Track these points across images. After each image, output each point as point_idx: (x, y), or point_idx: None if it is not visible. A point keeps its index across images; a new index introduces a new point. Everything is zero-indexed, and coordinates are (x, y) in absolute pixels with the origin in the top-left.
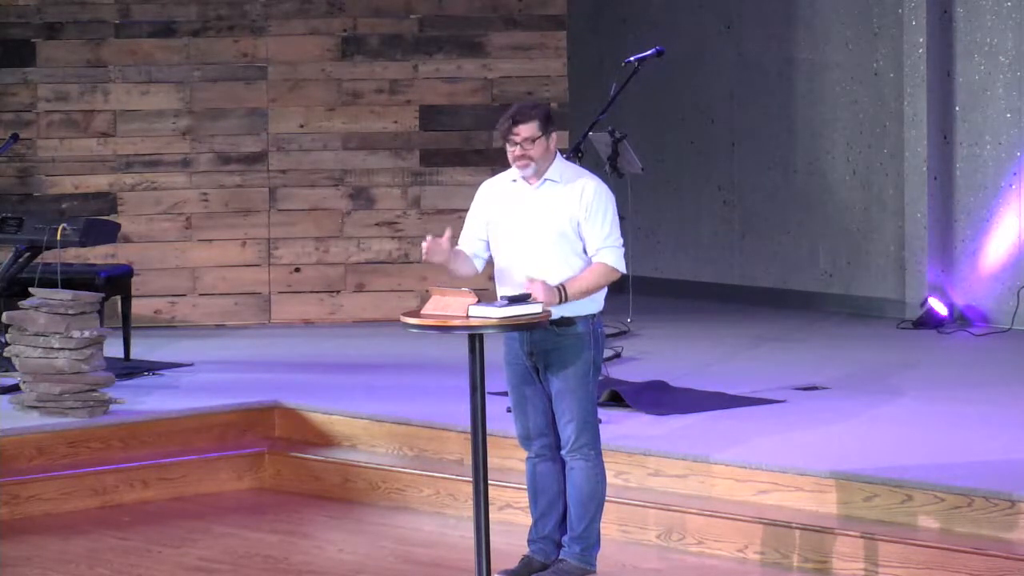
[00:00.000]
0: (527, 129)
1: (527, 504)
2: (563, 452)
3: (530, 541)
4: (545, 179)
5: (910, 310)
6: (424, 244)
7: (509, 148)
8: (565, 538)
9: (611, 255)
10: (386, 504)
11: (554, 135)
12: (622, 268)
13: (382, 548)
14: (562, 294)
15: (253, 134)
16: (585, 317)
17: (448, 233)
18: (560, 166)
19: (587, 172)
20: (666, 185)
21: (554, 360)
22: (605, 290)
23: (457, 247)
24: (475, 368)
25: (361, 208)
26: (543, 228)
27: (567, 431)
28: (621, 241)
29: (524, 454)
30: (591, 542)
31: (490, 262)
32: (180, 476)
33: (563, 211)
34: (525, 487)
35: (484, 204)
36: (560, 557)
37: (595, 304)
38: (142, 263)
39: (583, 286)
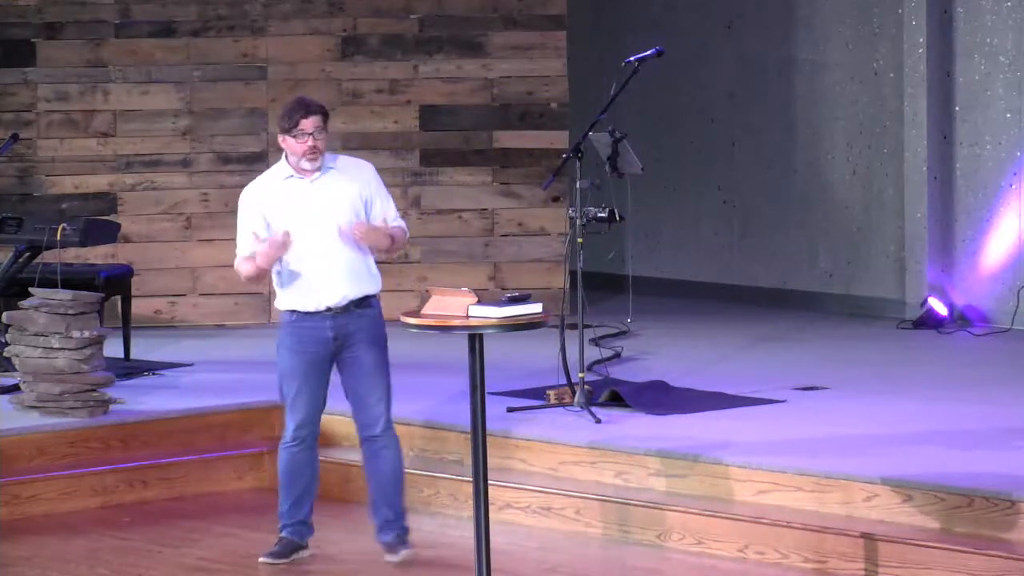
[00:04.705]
0: (318, 121)
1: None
2: (374, 433)
3: (285, 525)
4: (322, 170)
5: (910, 310)
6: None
7: (298, 141)
8: (384, 519)
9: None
10: None
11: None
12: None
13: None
14: (386, 235)
15: (253, 134)
16: (376, 296)
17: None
18: (328, 155)
19: (349, 156)
20: (666, 185)
21: (360, 339)
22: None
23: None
24: (475, 368)
25: None
26: (333, 218)
27: (378, 410)
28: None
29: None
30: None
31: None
32: (180, 476)
33: (348, 195)
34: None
35: (257, 211)
36: (397, 540)
37: (379, 283)
38: (142, 263)
39: (393, 234)
